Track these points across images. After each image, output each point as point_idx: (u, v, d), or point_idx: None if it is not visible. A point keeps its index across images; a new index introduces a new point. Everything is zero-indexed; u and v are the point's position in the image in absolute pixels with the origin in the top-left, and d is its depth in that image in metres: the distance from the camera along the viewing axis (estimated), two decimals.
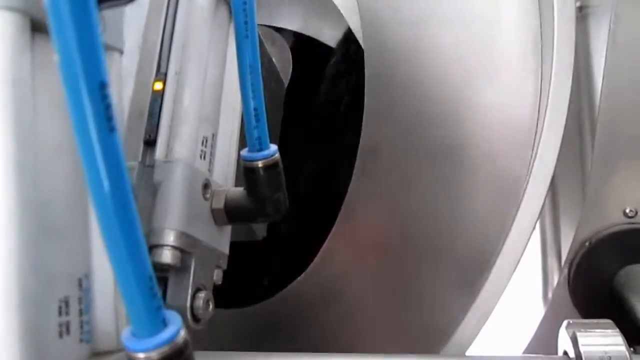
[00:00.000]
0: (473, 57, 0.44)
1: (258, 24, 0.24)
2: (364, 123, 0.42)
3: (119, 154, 0.14)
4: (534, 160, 0.44)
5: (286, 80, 0.57)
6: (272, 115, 0.50)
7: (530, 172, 0.44)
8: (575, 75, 0.54)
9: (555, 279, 0.57)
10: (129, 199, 0.14)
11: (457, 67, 0.44)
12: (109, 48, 0.20)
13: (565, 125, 0.44)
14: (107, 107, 0.13)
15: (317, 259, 0.43)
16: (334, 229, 0.42)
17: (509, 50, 0.45)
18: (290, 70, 0.58)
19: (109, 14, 0.19)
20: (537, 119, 0.45)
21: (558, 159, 0.43)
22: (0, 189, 0.16)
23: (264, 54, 0.49)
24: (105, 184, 0.14)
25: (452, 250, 0.44)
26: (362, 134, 0.42)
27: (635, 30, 0.50)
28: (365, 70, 0.43)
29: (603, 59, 0.51)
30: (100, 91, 0.13)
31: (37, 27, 0.17)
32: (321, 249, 0.43)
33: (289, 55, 0.59)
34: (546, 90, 0.45)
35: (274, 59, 0.55)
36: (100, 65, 0.13)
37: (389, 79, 0.44)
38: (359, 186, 0.42)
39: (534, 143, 0.45)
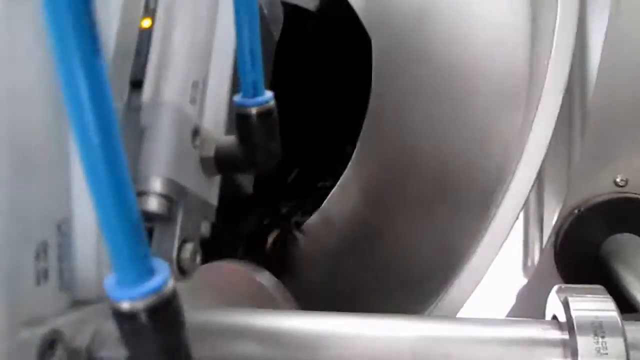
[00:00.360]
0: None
1: None
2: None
3: (104, 80, 0.12)
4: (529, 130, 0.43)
5: (276, 34, 0.54)
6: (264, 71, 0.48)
7: (527, 140, 0.43)
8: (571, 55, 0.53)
9: (536, 247, 0.57)
10: (114, 132, 0.13)
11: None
12: None
13: None
14: (92, 26, 0.12)
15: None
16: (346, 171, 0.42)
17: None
18: (281, 25, 0.56)
19: None
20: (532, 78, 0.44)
21: None
22: None
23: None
24: (89, 114, 0.12)
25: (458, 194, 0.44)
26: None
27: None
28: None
29: (599, 25, 0.49)
30: (82, 2, 0.11)
31: None
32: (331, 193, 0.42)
33: (280, 9, 0.57)
34: (547, 51, 0.43)
35: (265, 11, 0.53)
36: None
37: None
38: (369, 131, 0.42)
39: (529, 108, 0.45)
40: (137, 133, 0.24)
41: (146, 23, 0.25)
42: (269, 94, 0.24)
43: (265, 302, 0.36)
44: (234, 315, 0.29)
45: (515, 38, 0.45)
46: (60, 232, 0.17)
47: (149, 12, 0.25)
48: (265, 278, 0.38)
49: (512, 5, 0.45)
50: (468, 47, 0.45)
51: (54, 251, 0.17)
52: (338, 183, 0.44)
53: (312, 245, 0.45)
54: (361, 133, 0.44)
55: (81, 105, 0.12)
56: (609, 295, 0.30)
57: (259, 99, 0.24)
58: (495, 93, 0.46)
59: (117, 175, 0.13)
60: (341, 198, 0.44)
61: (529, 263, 0.57)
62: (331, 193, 0.44)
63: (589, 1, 0.51)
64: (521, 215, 0.63)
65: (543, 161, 0.43)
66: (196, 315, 0.28)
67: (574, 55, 0.54)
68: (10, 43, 0.15)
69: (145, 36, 0.25)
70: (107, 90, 0.12)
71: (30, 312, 0.16)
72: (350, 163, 0.44)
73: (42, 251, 0.17)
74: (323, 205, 0.44)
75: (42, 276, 0.16)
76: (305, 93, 0.54)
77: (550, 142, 0.44)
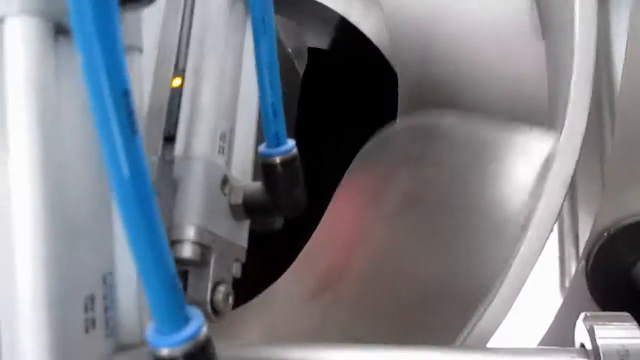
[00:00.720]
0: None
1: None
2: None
3: (141, 155, 0.14)
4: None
5: (301, 69, 0.57)
6: (288, 107, 0.50)
7: (552, 164, 0.44)
8: (595, 62, 0.54)
9: (572, 268, 0.56)
10: (151, 200, 0.14)
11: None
12: (129, 48, 0.20)
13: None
14: (130, 114, 0.14)
15: None
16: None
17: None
18: (306, 60, 0.58)
19: (128, 14, 0.20)
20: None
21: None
22: (28, 192, 0.16)
23: (280, 44, 0.49)
24: (129, 187, 0.14)
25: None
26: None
27: None
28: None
29: (623, 45, 0.50)
30: (123, 99, 0.13)
31: (60, 30, 0.18)
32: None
33: (305, 46, 0.59)
34: (567, 79, 0.44)
35: (289, 49, 0.55)
36: (123, 73, 0.13)
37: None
38: None
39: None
40: (171, 184, 0.26)
41: (176, 82, 0.27)
42: (291, 143, 0.26)
43: None
44: (266, 351, 0.30)
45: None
46: (105, 285, 0.19)
47: (179, 71, 0.27)
48: None
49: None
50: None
51: (100, 302, 0.19)
52: None
53: None
54: None
55: (122, 179, 0.14)
56: (635, 323, 0.30)
57: (282, 148, 0.26)
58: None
59: (154, 238, 0.15)
60: None
61: (566, 285, 0.57)
62: None
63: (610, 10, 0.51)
64: (556, 236, 0.63)
65: (573, 179, 0.43)
66: (229, 354, 0.29)
67: (599, 74, 0.54)
68: (59, 122, 0.17)
69: (176, 94, 0.27)
70: (144, 165, 0.14)
71: (80, 357, 0.18)
72: None
73: (90, 302, 0.18)
74: None
75: (90, 325, 0.18)
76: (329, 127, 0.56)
77: (578, 160, 0.44)
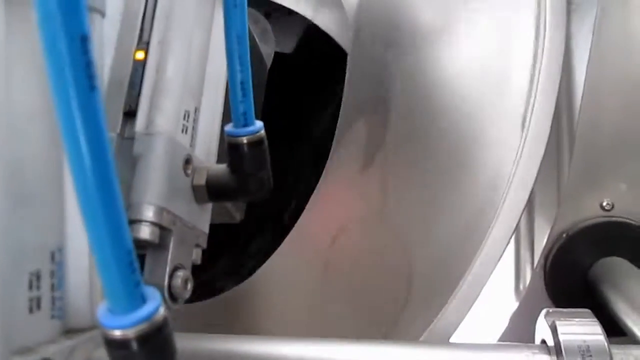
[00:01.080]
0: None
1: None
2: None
3: (99, 115, 0.13)
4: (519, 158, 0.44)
5: (268, 62, 0.55)
6: (255, 96, 0.49)
7: (517, 166, 0.44)
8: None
9: (528, 271, 0.57)
10: (109, 164, 0.13)
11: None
12: (90, 9, 0.19)
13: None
14: (89, 64, 0.12)
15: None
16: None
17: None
18: (273, 54, 0.57)
19: None
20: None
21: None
22: None
23: (249, 32, 0.48)
24: (85, 147, 0.13)
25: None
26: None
27: (621, 26, 0.50)
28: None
29: (584, 55, 0.51)
30: (81, 44, 0.12)
31: None
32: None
33: (272, 38, 0.58)
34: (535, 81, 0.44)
35: (257, 40, 0.54)
36: (82, 16, 0.12)
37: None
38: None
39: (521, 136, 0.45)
40: (131, 162, 0.24)
41: (140, 55, 0.26)
42: (259, 124, 0.25)
43: None
44: (226, 342, 0.29)
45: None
46: (53, 261, 0.17)
47: (142, 44, 0.26)
48: None
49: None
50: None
51: (47, 280, 0.17)
52: None
53: None
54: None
55: (77, 140, 0.13)
56: (595, 319, 0.30)
57: (250, 128, 0.24)
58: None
59: (110, 206, 0.14)
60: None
61: (521, 286, 0.58)
62: None
63: (573, 28, 0.52)
64: (512, 238, 0.64)
65: (533, 186, 0.44)
66: (188, 341, 0.28)
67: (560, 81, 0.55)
68: (6, 78, 0.16)
69: (139, 67, 0.25)
70: (103, 125, 0.13)
71: (22, 340, 0.17)
72: None
73: (35, 280, 0.17)
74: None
75: (34, 305, 0.17)
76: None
77: (539, 167, 0.45)
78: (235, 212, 0.43)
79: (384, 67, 0.44)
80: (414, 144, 0.44)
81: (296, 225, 0.42)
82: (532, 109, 0.45)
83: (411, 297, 0.43)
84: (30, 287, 0.17)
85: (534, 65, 0.45)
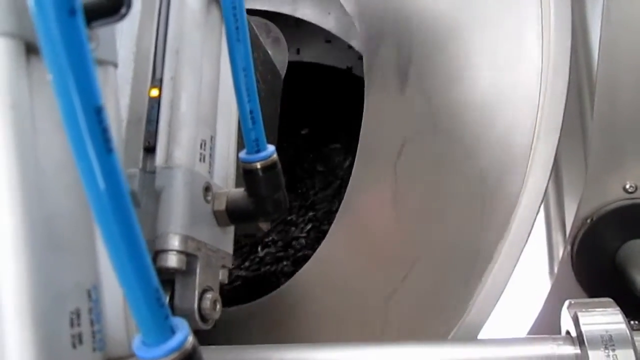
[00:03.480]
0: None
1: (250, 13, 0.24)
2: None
3: (118, 173, 0.14)
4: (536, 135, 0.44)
5: (282, 71, 0.57)
6: (270, 108, 0.51)
7: (534, 148, 0.44)
8: (574, 52, 0.54)
9: (560, 254, 0.57)
10: (131, 217, 0.15)
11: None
12: (103, 62, 0.21)
13: (567, 103, 0.44)
14: (104, 131, 0.14)
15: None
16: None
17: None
18: (287, 60, 0.58)
19: (100, 29, 0.20)
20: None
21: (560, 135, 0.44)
22: (6, 209, 0.16)
23: (259, 47, 0.49)
24: (107, 205, 0.14)
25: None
26: None
27: (629, 5, 0.50)
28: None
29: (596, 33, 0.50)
30: (96, 116, 0.13)
31: (32, 49, 0.18)
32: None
33: (284, 46, 0.59)
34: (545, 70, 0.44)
35: (269, 51, 0.55)
36: (95, 91, 0.13)
37: None
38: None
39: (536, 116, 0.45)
40: (154, 194, 0.26)
41: (154, 92, 0.27)
42: (271, 148, 0.26)
43: None
44: (253, 352, 0.31)
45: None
46: (90, 299, 0.19)
47: (156, 81, 0.27)
48: None
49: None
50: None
51: (86, 316, 0.19)
52: None
53: None
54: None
55: (100, 198, 0.14)
56: (617, 308, 0.30)
57: (262, 154, 0.26)
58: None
59: (135, 253, 0.15)
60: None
61: (555, 271, 0.58)
62: None
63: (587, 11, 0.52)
64: (544, 224, 0.64)
65: (551, 172, 0.44)
66: (218, 356, 0.29)
67: (578, 66, 0.55)
68: (35, 138, 0.17)
69: (155, 104, 0.27)
70: (122, 183, 0.14)
71: None
72: None
73: (75, 317, 0.18)
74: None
75: (77, 340, 0.18)
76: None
77: (558, 149, 0.45)
78: (262, 223, 0.44)
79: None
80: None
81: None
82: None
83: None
84: (72, 324, 0.18)
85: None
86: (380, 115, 0.44)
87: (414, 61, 0.45)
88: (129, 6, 0.17)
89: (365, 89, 0.44)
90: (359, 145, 0.43)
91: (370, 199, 0.44)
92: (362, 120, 0.44)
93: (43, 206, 0.17)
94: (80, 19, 0.13)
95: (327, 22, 0.56)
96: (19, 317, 0.16)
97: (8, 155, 0.17)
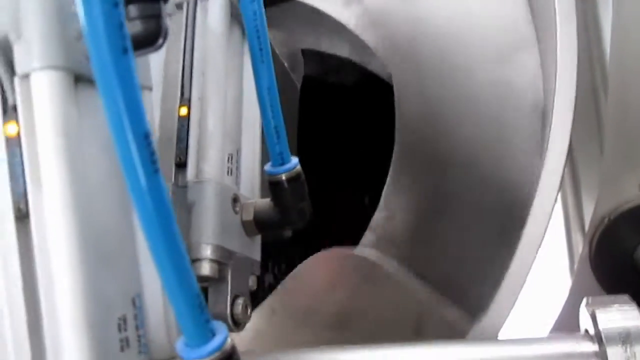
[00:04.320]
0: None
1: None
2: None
3: (163, 191, 0.16)
4: (548, 135, 0.44)
5: (299, 82, 0.58)
6: (289, 118, 0.52)
7: (547, 148, 0.45)
8: (587, 48, 0.55)
9: (579, 254, 0.57)
10: (175, 231, 0.16)
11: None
12: (141, 87, 0.22)
13: (581, 99, 0.45)
14: (152, 154, 0.15)
15: None
16: None
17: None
18: (303, 71, 0.60)
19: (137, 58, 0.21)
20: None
21: (574, 132, 0.44)
22: (62, 229, 0.18)
23: (277, 59, 0.51)
24: (155, 220, 0.16)
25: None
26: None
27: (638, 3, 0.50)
28: None
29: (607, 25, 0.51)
30: (145, 140, 0.15)
31: (78, 79, 0.19)
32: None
33: (300, 57, 0.61)
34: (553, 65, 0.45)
35: (285, 63, 0.57)
36: (144, 117, 0.15)
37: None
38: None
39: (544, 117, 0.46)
40: (186, 207, 0.27)
41: (183, 111, 0.29)
42: (294, 160, 0.28)
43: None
44: (290, 356, 0.32)
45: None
46: (135, 306, 0.21)
47: (184, 101, 0.29)
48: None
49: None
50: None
51: (131, 322, 0.20)
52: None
53: None
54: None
55: (148, 214, 0.16)
56: (634, 304, 0.31)
57: (287, 166, 0.27)
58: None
59: (178, 262, 0.17)
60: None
61: (575, 270, 0.58)
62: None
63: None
64: (563, 224, 0.64)
65: (564, 169, 0.44)
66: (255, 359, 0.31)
67: (592, 65, 0.56)
68: (84, 161, 0.19)
69: (184, 123, 0.29)
70: (167, 199, 0.16)
71: None
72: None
73: (122, 323, 0.20)
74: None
75: (125, 344, 0.20)
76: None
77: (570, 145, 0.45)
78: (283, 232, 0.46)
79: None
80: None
81: None
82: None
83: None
84: (120, 330, 0.20)
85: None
86: None
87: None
88: (165, 37, 0.19)
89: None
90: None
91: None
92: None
93: (92, 224, 0.19)
94: (131, 56, 0.14)
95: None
96: (74, 325, 0.18)
97: (61, 177, 0.18)
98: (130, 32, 0.18)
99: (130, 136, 0.15)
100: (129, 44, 0.14)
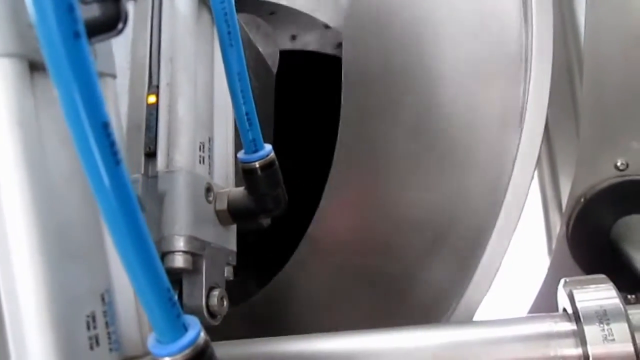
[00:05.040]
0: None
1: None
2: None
3: (127, 183, 0.15)
4: (524, 114, 0.44)
5: (274, 66, 0.57)
6: (265, 104, 0.51)
7: (522, 129, 0.44)
8: (561, 29, 0.55)
9: (557, 233, 0.58)
10: (140, 224, 0.15)
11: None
12: (102, 75, 0.21)
13: (557, 80, 0.44)
14: (112, 144, 0.14)
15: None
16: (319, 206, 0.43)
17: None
18: (278, 55, 0.59)
19: (98, 44, 0.20)
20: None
21: (550, 112, 0.44)
22: (20, 222, 0.17)
23: (250, 44, 0.49)
24: (118, 214, 0.15)
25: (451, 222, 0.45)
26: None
27: None
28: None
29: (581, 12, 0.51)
30: (104, 131, 0.14)
31: (34, 67, 0.18)
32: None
33: (275, 40, 0.60)
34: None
35: (259, 48, 0.56)
36: (101, 106, 0.14)
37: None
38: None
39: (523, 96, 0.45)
40: (157, 198, 0.27)
41: (152, 99, 0.28)
42: (268, 147, 0.27)
43: None
44: (262, 345, 0.32)
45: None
46: (104, 302, 0.20)
47: (152, 88, 0.28)
48: None
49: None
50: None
51: (101, 319, 0.20)
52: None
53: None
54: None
55: (111, 208, 0.15)
56: (611, 284, 0.31)
57: (260, 153, 0.27)
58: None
59: (146, 258, 0.16)
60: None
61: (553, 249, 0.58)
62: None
63: None
64: (541, 205, 0.65)
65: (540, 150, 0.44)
66: (229, 350, 0.30)
67: (567, 47, 0.56)
68: (43, 152, 0.18)
69: (153, 111, 0.28)
70: (130, 192, 0.15)
71: None
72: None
73: (91, 321, 0.19)
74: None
75: (94, 342, 0.19)
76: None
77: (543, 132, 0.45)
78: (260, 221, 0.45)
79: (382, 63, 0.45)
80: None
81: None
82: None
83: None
84: (88, 327, 0.19)
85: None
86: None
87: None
88: (125, 22, 0.18)
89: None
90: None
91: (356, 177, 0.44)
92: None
93: (54, 217, 0.18)
94: (85, 41, 0.13)
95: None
96: (39, 323, 0.17)
97: (18, 170, 0.17)
98: (86, 16, 0.17)
99: (87, 126, 0.14)
100: (81, 28, 0.13)
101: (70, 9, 0.13)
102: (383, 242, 0.45)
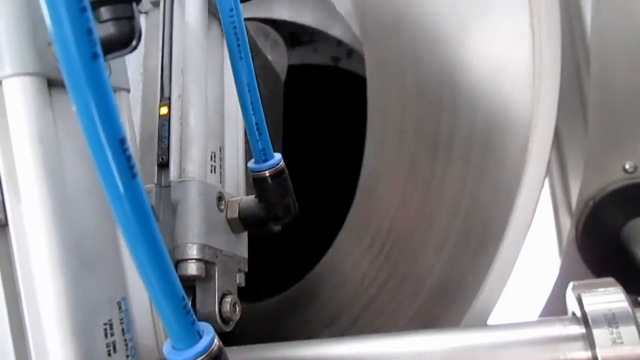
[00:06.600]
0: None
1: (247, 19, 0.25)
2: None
3: (142, 195, 0.16)
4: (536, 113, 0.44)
5: (283, 74, 0.58)
6: (274, 111, 0.52)
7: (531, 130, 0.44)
8: (569, 32, 0.55)
9: (567, 236, 0.58)
10: (156, 235, 0.16)
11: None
12: (116, 90, 0.22)
13: (566, 83, 0.45)
14: (128, 159, 0.15)
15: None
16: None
17: None
18: (286, 62, 0.59)
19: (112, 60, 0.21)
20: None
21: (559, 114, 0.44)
22: (42, 235, 0.18)
23: (258, 53, 0.50)
24: (134, 226, 0.16)
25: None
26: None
27: None
28: None
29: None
30: (120, 146, 0.15)
31: (52, 83, 0.19)
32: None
33: (283, 48, 0.60)
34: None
35: (268, 55, 0.56)
36: (118, 122, 0.15)
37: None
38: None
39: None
40: (170, 207, 0.27)
41: (164, 110, 0.29)
42: (277, 156, 0.28)
43: None
44: (274, 350, 0.32)
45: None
46: (120, 310, 0.21)
47: (164, 99, 0.29)
48: None
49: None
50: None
51: (118, 326, 0.20)
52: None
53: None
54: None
55: (127, 220, 0.16)
56: (619, 286, 0.32)
57: (270, 162, 0.27)
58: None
59: (161, 268, 0.16)
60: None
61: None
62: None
63: None
64: (551, 208, 0.65)
65: (550, 155, 0.44)
66: (242, 355, 0.31)
67: (575, 50, 0.56)
68: (62, 166, 0.19)
69: (165, 122, 0.28)
70: (146, 204, 0.16)
71: None
72: None
73: (109, 328, 0.20)
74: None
75: (112, 349, 0.20)
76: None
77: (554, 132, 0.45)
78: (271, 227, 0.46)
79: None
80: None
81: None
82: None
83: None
84: (106, 335, 0.20)
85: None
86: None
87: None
88: (139, 39, 0.19)
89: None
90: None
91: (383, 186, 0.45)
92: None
93: (73, 229, 0.19)
94: (102, 61, 0.14)
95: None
96: (59, 331, 0.18)
97: (39, 183, 0.18)
98: (102, 34, 0.17)
99: (105, 143, 0.14)
100: (98, 49, 0.14)
101: (89, 32, 0.13)
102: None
